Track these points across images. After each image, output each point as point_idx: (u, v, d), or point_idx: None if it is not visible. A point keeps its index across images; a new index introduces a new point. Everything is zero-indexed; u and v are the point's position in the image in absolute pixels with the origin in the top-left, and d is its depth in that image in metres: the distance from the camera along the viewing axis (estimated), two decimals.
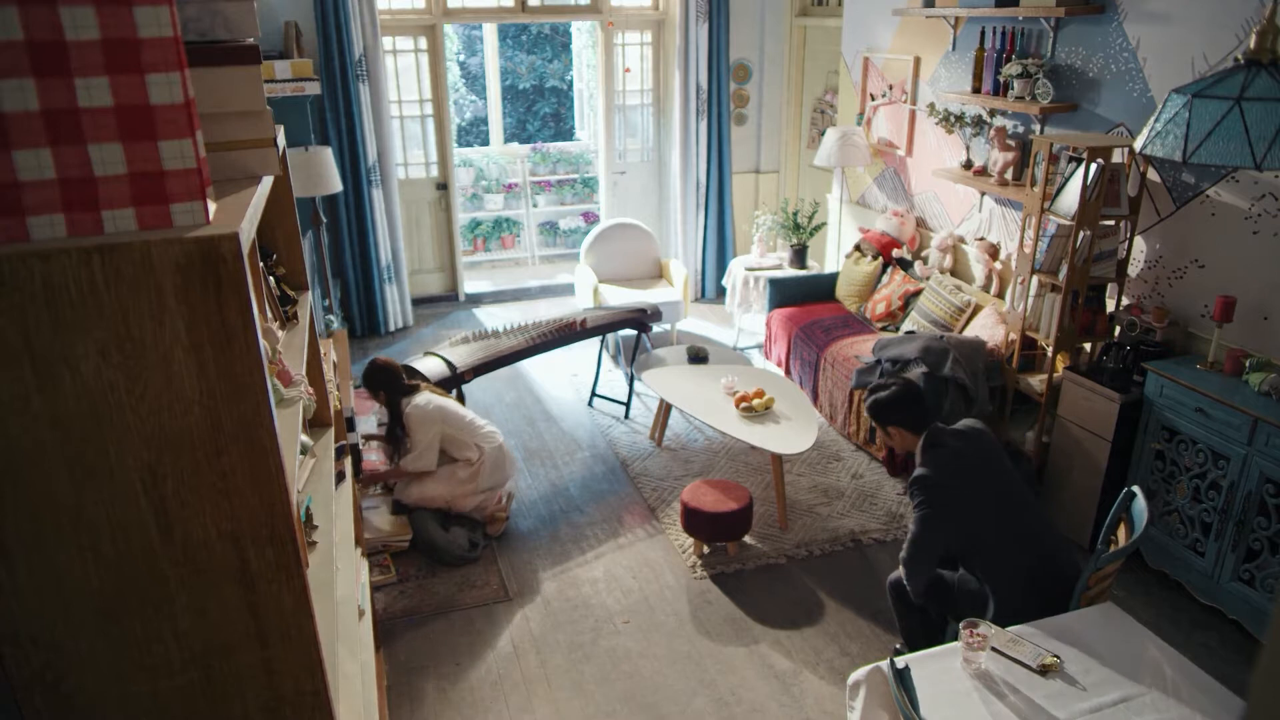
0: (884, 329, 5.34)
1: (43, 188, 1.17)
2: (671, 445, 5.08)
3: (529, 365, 6.07)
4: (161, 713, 1.41)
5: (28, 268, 1.14)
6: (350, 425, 3.33)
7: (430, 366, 4.57)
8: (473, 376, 4.60)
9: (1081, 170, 3.82)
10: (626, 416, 5.43)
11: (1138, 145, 3.27)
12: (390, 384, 3.98)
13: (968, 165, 5.02)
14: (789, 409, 4.40)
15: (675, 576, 3.92)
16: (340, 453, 2.63)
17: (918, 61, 5.49)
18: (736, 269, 6.49)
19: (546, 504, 4.52)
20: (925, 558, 2.84)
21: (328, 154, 5.51)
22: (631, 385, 5.51)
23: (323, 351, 2.64)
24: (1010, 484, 2.88)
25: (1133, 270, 4.14)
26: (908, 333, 5.01)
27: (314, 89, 5.44)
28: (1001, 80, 4.61)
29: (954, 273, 5.31)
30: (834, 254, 6.61)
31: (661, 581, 3.88)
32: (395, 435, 4.02)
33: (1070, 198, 3.90)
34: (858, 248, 5.84)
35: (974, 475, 2.84)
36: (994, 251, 4.96)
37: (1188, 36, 3.72)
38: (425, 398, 3.98)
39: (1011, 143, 4.70)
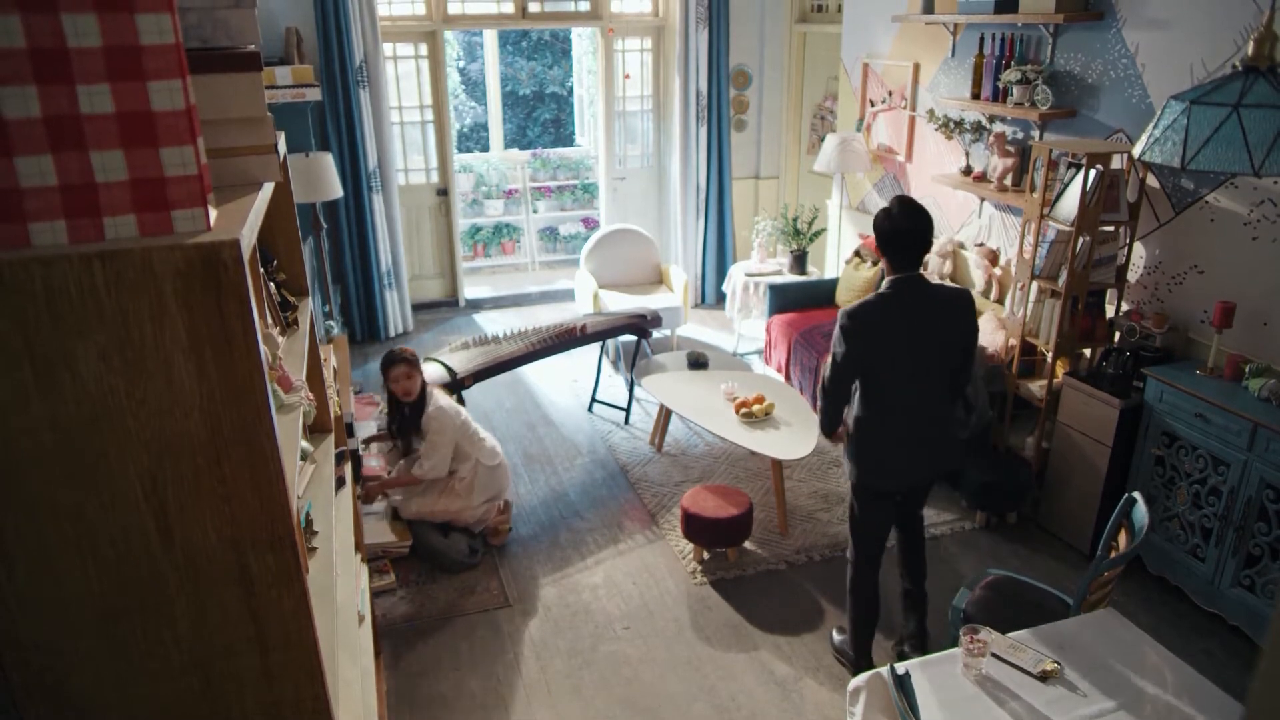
0: None
1: (44, 194, 1.17)
2: (671, 451, 5.08)
3: (529, 371, 6.07)
4: (162, 717, 1.41)
5: (29, 273, 1.15)
6: (350, 431, 3.33)
7: (431, 372, 4.57)
8: (473, 382, 4.59)
9: (1081, 176, 3.83)
10: (626, 422, 5.43)
11: (1137, 151, 3.28)
12: (419, 370, 3.85)
13: (967, 171, 5.03)
14: (789, 414, 4.40)
15: (675, 582, 3.92)
16: (340, 458, 2.63)
17: (917, 68, 5.50)
18: (736, 274, 6.49)
19: (546, 510, 4.51)
20: (838, 383, 3.02)
21: (328, 160, 5.51)
22: (631, 391, 5.51)
23: (323, 357, 2.65)
24: (933, 356, 2.98)
25: (1132, 276, 4.14)
26: None
27: (315, 95, 5.45)
28: (1001, 86, 4.62)
29: (954, 278, 5.31)
30: (834, 259, 6.61)
31: (661, 587, 3.88)
32: (406, 433, 3.91)
33: (1070, 203, 3.90)
34: (857, 253, 5.84)
35: (896, 329, 2.93)
36: (993, 257, 4.97)
37: (1186, 43, 3.73)
38: (448, 401, 3.88)
39: (1011, 148, 4.71)
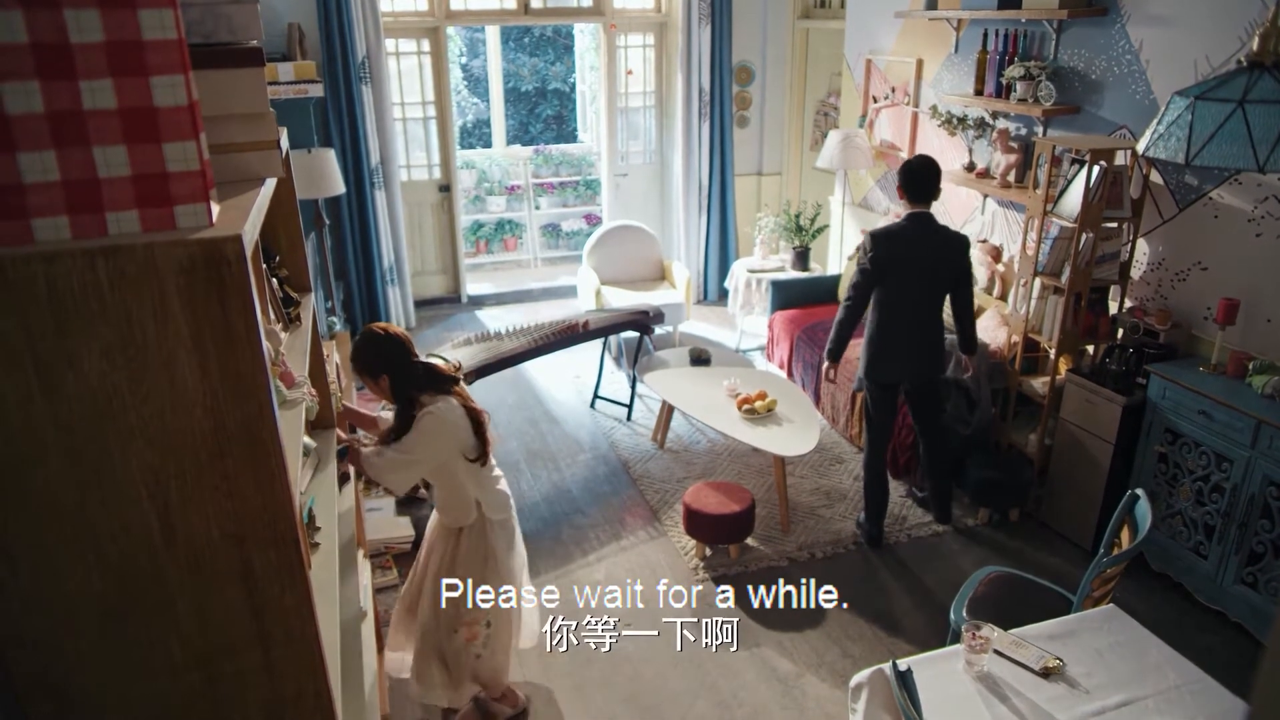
0: None
1: (47, 190, 1.17)
2: (674, 447, 5.08)
3: (531, 367, 6.07)
4: (164, 715, 1.41)
5: (31, 270, 1.15)
6: (353, 427, 3.33)
7: None
8: (475, 378, 4.59)
9: (1084, 172, 3.82)
10: (629, 418, 5.43)
11: (1140, 147, 3.27)
12: (395, 362, 2.66)
13: (970, 167, 5.02)
14: (791, 411, 4.40)
15: (677, 579, 3.92)
16: (342, 454, 2.63)
17: (920, 64, 5.49)
18: (739, 271, 6.49)
19: (548, 505, 4.52)
20: (859, 290, 3.83)
21: (330, 156, 5.51)
22: (634, 387, 5.51)
23: (325, 353, 2.65)
24: (931, 278, 3.80)
25: (1135, 272, 4.13)
26: None
27: (317, 91, 5.45)
28: (1004, 82, 4.61)
29: None
30: (836, 256, 6.60)
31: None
32: (399, 423, 2.75)
33: (1073, 200, 3.89)
34: (860, 249, 5.83)
35: (910, 258, 3.74)
36: (996, 254, 4.96)
37: (1191, 39, 3.72)
38: (454, 409, 2.69)
39: (1014, 145, 4.70)
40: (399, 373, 2.68)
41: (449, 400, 2.70)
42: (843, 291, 5.83)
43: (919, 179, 3.75)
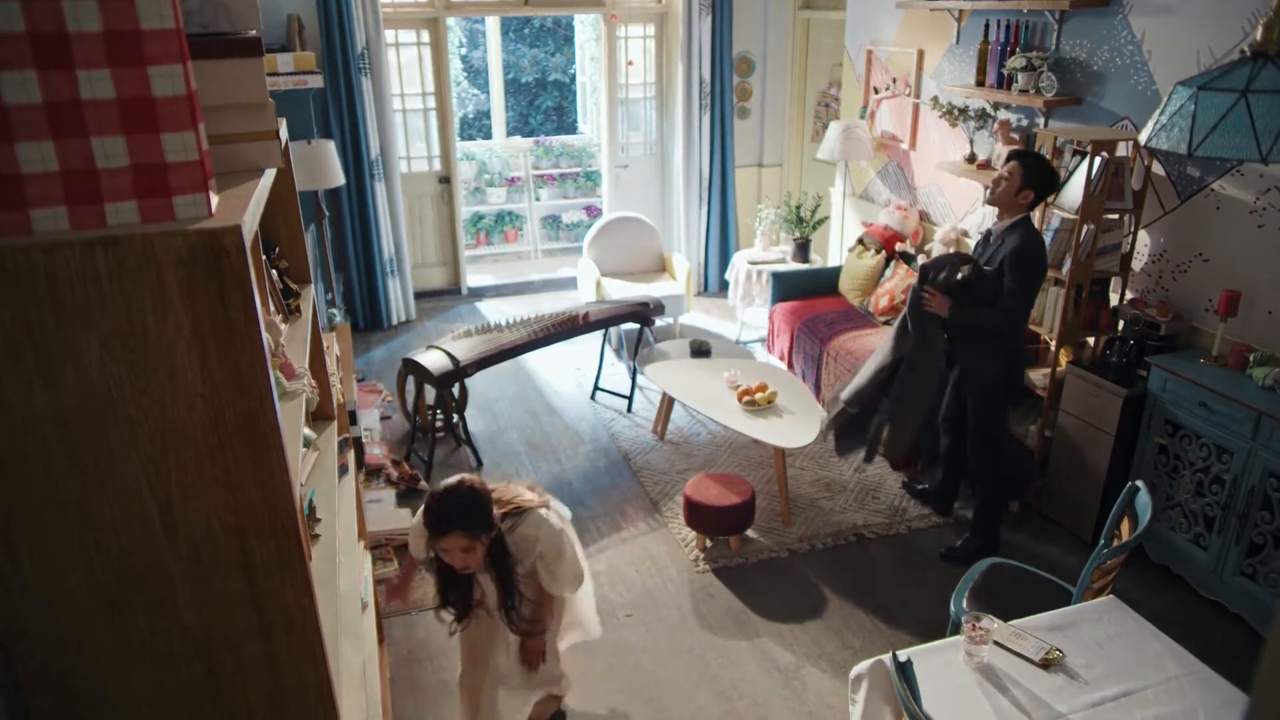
0: (887, 323, 5.34)
1: (45, 180, 1.17)
2: (674, 439, 5.08)
3: (531, 359, 6.06)
4: (165, 706, 1.42)
5: (31, 260, 1.14)
6: (353, 419, 3.34)
7: (433, 360, 4.58)
8: (475, 370, 4.60)
9: (1085, 164, 3.81)
10: (629, 410, 5.43)
11: (1142, 138, 3.26)
12: (489, 519, 2.43)
13: (971, 159, 5.01)
14: (791, 403, 4.40)
15: (677, 570, 3.92)
16: (343, 446, 2.63)
17: (921, 54, 5.47)
18: (739, 263, 6.48)
19: None
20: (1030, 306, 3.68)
21: (330, 147, 5.50)
22: (634, 379, 5.51)
23: (325, 345, 2.65)
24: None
25: (1136, 264, 4.13)
26: None
27: (316, 82, 5.43)
28: (1005, 73, 4.59)
29: None
30: (837, 248, 6.59)
31: (664, 575, 3.89)
32: (505, 575, 2.55)
33: (1074, 191, 3.89)
34: (861, 241, 5.83)
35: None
36: None
37: (1193, 29, 3.70)
38: (534, 516, 2.61)
39: (1015, 136, 4.69)
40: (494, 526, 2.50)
41: (531, 517, 2.61)
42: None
43: (1054, 186, 3.67)
